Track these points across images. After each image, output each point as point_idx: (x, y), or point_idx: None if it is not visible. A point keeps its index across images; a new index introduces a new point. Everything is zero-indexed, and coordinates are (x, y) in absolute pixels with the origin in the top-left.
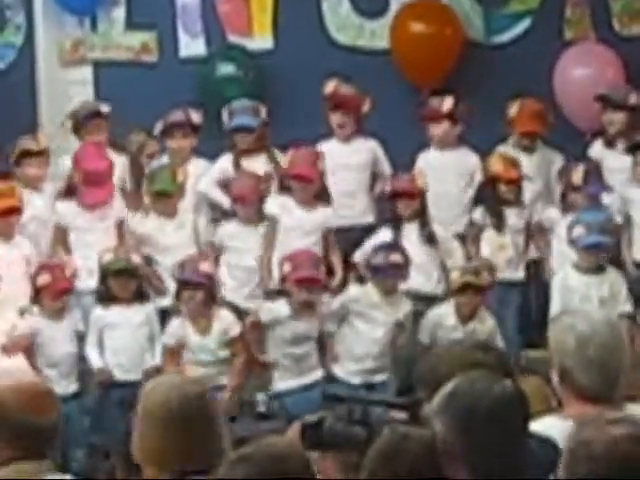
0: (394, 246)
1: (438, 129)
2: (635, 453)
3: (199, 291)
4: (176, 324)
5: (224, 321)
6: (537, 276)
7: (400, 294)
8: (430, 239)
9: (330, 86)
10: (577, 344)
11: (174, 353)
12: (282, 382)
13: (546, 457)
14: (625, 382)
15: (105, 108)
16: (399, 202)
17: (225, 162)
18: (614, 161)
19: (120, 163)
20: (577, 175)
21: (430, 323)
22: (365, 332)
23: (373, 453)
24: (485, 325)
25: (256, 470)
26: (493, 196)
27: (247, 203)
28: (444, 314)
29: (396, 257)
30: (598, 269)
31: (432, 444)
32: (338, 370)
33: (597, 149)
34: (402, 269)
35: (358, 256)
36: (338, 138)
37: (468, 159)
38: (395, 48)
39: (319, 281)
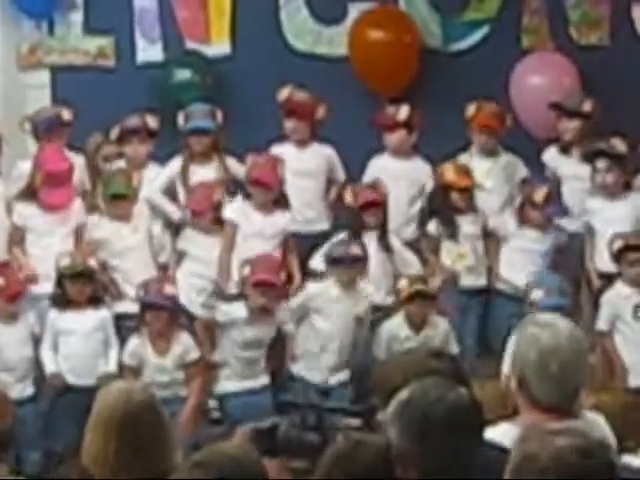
0: (354, 239)
1: (394, 137)
2: (578, 465)
3: (163, 313)
4: (135, 343)
5: (183, 344)
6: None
7: (359, 290)
8: (388, 248)
9: (284, 92)
10: (539, 358)
11: (135, 372)
12: (228, 383)
13: (497, 464)
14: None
15: (67, 115)
16: (366, 213)
17: (174, 168)
18: (569, 168)
19: (78, 164)
20: (539, 194)
21: (384, 337)
22: (324, 328)
23: (327, 458)
24: (438, 330)
25: (212, 475)
26: (445, 205)
27: (203, 215)
28: (396, 326)
29: (356, 249)
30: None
31: (386, 451)
32: (297, 369)
33: (552, 155)
34: (362, 261)
35: (314, 263)
36: (292, 144)
37: (421, 168)
38: (353, 55)
39: (276, 285)
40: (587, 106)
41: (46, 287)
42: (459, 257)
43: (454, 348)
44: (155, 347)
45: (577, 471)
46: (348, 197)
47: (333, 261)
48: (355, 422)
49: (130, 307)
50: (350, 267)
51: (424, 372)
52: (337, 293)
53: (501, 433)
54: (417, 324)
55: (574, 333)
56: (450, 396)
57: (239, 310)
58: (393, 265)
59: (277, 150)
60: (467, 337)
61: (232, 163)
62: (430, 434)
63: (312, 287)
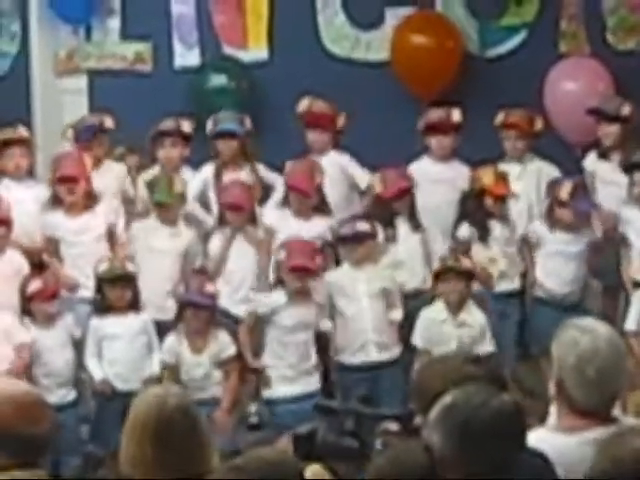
0: (361, 216)
1: (445, 140)
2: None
3: (202, 312)
4: (172, 339)
5: (220, 341)
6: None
7: (379, 264)
8: (417, 227)
9: (303, 104)
10: (578, 362)
11: (172, 370)
12: (276, 389)
13: (536, 470)
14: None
15: (109, 122)
16: (397, 201)
17: (206, 174)
18: (607, 173)
19: (120, 171)
20: (564, 190)
21: (422, 325)
22: (352, 310)
23: (374, 467)
24: (475, 319)
25: (248, 478)
26: (479, 209)
27: (242, 211)
28: (434, 310)
29: (363, 226)
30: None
31: (424, 466)
32: (343, 358)
33: (591, 161)
34: (370, 238)
35: None
36: (314, 154)
37: (461, 172)
38: (394, 60)
39: (312, 270)
40: (626, 110)
41: (82, 293)
42: (491, 262)
43: (489, 346)
44: (192, 344)
45: None
46: (378, 187)
47: (341, 240)
48: (394, 427)
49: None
50: (358, 244)
51: (463, 378)
52: (354, 272)
53: (538, 439)
54: (453, 304)
55: (613, 338)
56: (493, 402)
57: (278, 297)
58: (425, 247)
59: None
60: (506, 342)
61: (262, 169)
62: (473, 440)
63: (329, 275)
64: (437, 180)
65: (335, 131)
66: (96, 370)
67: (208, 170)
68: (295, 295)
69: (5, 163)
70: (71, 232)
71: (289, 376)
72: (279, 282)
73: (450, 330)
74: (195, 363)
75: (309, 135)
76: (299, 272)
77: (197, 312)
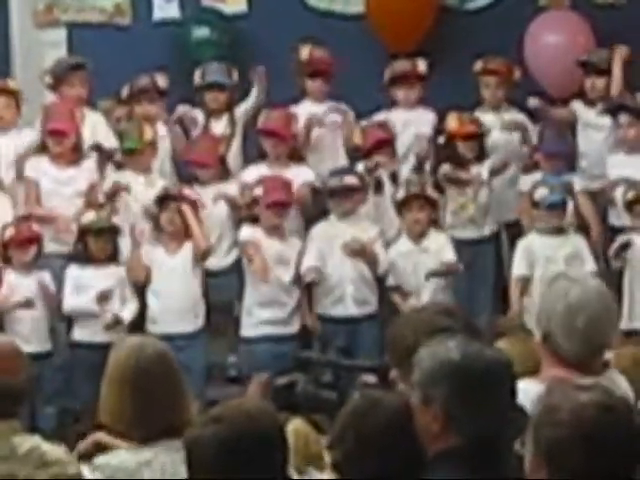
0: (349, 169)
1: (410, 92)
2: (600, 421)
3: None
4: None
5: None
6: (514, 239)
7: (365, 220)
8: (396, 176)
9: (305, 52)
10: (567, 312)
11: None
12: (254, 329)
13: (517, 424)
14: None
15: (85, 61)
16: (377, 152)
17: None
18: (589, 117)
19: (97, 121)
20: (535, 135)
21: (391, 263)
22: (334, 262)
23: (342, 416)
24: (438, 241)
25: (228, 430)
26: (453, 155)
27: (206, 167)
28: (399, 246)
29: (351, 179)
30: (560, 231)
31: (402, 411)
32: (322, 310)
33: (578, 107)
34: (358, 191)
35: None
36: (314, 101)
37: (428, 117)
38: (370, 12)
39: (290, 204)
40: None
41: (54, 247)
42: (461, 207)
43: (450, 255)
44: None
45: (596, 426)
46: (357, 138)
47: (330, 193)
48: (371, 379)
49: None
50: (346, 198)
51: (436, 330)
52: (340, 225)
53: (522, 389)
54: (416, 233)
55: (603, 291)
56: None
57: (255, 232)
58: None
59: (296, 110)
60: (480, 290)
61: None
62: (478, 396)
63: (315, 229)
64: (405, 126)
65: (332, 78)
66: (79, 300)
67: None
68: (272, 231)
69: None
70: (54, 181)
71: (268, 317)
72: (253, 221)
73: (415, 259)
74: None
75: (311, 83)
76: (277, 208)
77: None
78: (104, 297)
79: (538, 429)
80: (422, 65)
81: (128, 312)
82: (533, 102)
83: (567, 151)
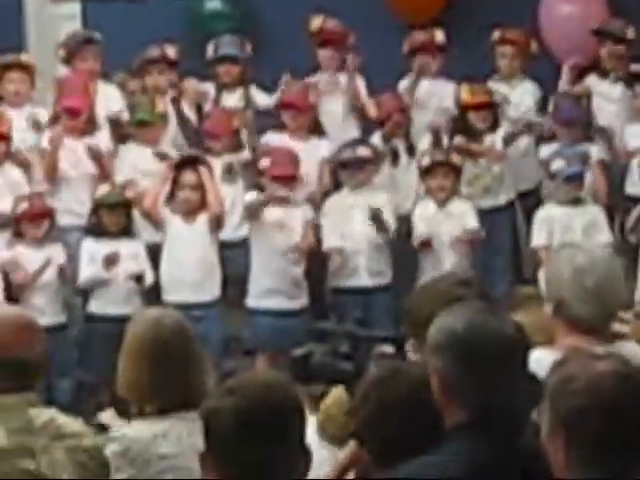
0: (361, 141)
1: (430, 61)
2: (618, 390)
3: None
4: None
5: None
6: (529, 209)
7: (378, 191)
8: (412, 151)
9: (316, 22)
10: (575, 275)
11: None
12: (257, 300)
13: (532, 393)
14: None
15: (97, 35)
16: (390, 122)
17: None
18: (607, 91)
19: (112, 94)
20: (550, 106)
21: (418, 220)
22: (347, 234)
23: (364, 384)
24: (460, 208)
25: (245, 401)
26: (466, 126)
27: (218, 138)
28: (423, 208)
29: (363, 151)
30: (578, 201)
31: (423, 380)
32: (335, 282)
33: (592, 81)
34: (371, 162)
35: None
36: (326, 72)
37: (448, 88)
38: None
39: (296, 177)
40: (630, 33)
41: (71, 219)
42: (475, 178)
43: (473, 222)
44: None
45: (614, 394)
46: (372, 110)
47: (342, 165)
48: (388, 349)
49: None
50: (359, 169)
51: (452, 300)
52: (352, 197)
53: (537, 359)
54: (441, 200)
55: (609, 254)
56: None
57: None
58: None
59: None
60: (496, 259)
61: (256, 93)
62: (479, 364)
63: (328, 203)
64: (425, 99)
65: (345, 50)
66: (93, 270)
67: (210, 89)
68: (277, 202)
69: (5, 87)
70: (70, 153)
71: (273, 288)
72: (259, 188)
73: (440, 222)
74: None
75: (322, 53)
76: (282, 181)
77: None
78: (111, 260)
79: (555, 398)
80: (440, 35)
81: (148, 277)
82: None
83: (582, 117)
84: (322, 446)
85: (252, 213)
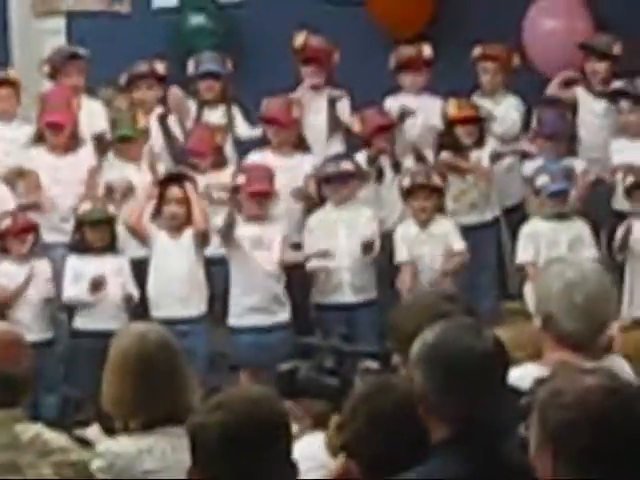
0: (344, 155)
1: (416, 77)
2: (605, 404)
3: None
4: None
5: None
6: (513, 225)
7: (362, 206)
8: (398, 169)
9: (300, 39)
10: (564, 290)
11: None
12: (239, 319)
13: (517, 407)
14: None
15: (82, 51)
16: (376, 138)
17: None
18: (588, 104)
19: (96, 109)
20: (534, 121)
21: (400, 240)
22: (334, 250)
23: (352, 399)
24: (443, 227)
25: (232, 416)
26: (453, 141)
27: (202, 155)
28: (406, 227)
29: (347, 165)
30: (563, 216)
31: (411, 394)
32: (319, 298)
33: (578, 93)
34: (354, 177)
35: None
36: (309, 89)
37: (434, 104)
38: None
39: (271, 194)
40: (617, 49)
41: (56, 236)
42: (461, 193)
43: (459, 244)
44: None
45: (600, 409)
46: (357, 126)
47: (325, 180)
48: (374, 365)
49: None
50: (342, 184)
51: (438, 315)
52: (336, 214)
53: (524, 374)
54: (422, 220)
55: (599, 269)
56: (479, 343)
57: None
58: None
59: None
60: (482, 275)
61: (238, 117)
62: (457, 381)
63: (311, 220)
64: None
65: (330, 66)
66: (78, 289)
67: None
68: (253, 218)
69: None
70: (53, 171)
71: (255, 306)
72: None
73: (422, 243)
74: None
75: (305, 70)
76: (258, 197)
77: None
78: (97, 284)
79: (544, 412)
80: (427, 50)
81: (133, 294)
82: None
83: (566, 131)
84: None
85: (225, 237)
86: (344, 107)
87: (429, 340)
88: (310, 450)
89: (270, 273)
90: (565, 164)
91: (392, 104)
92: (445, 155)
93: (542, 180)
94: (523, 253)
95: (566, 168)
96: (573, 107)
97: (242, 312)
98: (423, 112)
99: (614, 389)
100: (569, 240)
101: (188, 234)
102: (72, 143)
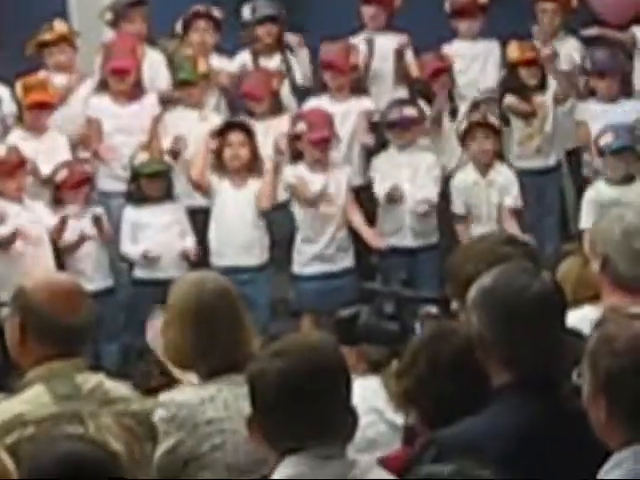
0: (408, 101)
1: (472, 23)
2: None
3: None
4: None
5: None
6: (574, 167)
7: (424, 151)
8: (455, 108)
9: None
10: (623, 234)
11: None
12: (303, 267)
13: (574, 350)
14: None
15: None
16: (435, 81)
17: (241, 61)
18: None
19: (157, 60)
20: (587, 60)
21: (456, 191)
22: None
23: (414, 343)
24: (503, 175)
25: (291, 363)
26: (517, 84)
27: (259, 100)
28: (464, 174)
29: (410, 111)
30: (628, 179)
31: (469, 340)
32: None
33: (637, 32)
34: (417, 123)
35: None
36: (371, 30)
37: (493, 46)
38: None
39: (332, 140)
40: None
41: (116, 185)
42: (528, 137)
43: (514, 200)
44: None
45: None
46: (414, 70)
47: (389, 125)
48: (433, 310)
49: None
50: (405, 129)
51: (497, 259)
52: (398, 155)
53: (582, 316)
54: (483, 165)
55: None
56: (533, 283)
57: (301, 169)
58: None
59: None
60: (546, 218)
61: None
62: (515, 323)
63: (378, 159)
64: (471, 58)
65: (392, 9)
66: (134, 250)
67: (245, 57)
68: (315, 165)
69: (47, 60)
70: (117, 119)
71: (319, 255)
72: (296, 156)
73: (481, 191)
74: None
75: (367, 10)
76: (320, 144)
77: None
78: (150, 260)
79: (595, 359)
80: None
81: (189, 243)
82: (590, 31)
83: (618, 69)
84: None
85: (293, 193)
86: (408, 53)
87: (485, 284)
88: (361, 393)
89: (337, 222)
90: (630, 124)
91: (449, 51)
92: (510, 99)
93: (606, 139)
94: (586, 220)
95: (632, 126)
96: (630, 48)
97: (306, 261)
98: (480, 58)
99: None
100: (637, 206)
101: (252, 187)
102: (136, 91)
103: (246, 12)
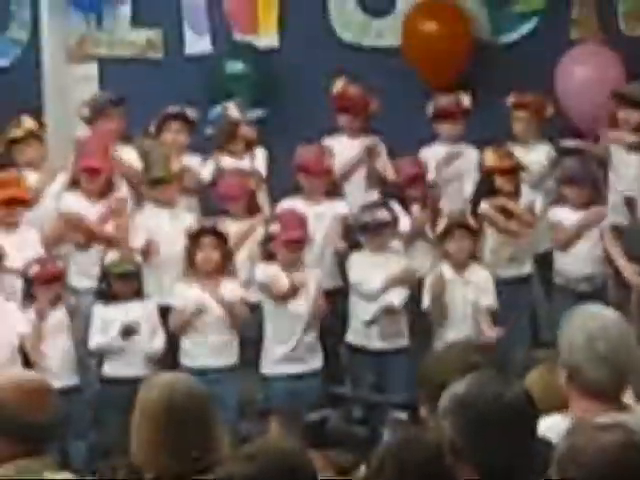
0: (380, 204)
1: (454, 127)
2: (623, 461)
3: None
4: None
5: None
6: (544, 272)
7: (396, 253)
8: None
9: (338, 86)
10: (587, 340)
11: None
12: (271, 367)
13: (544, 458)
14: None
15: (124, 97)
16: (410, 187)
17: (214, 163)
18: (625, 157)
19: (130, 157)
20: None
21: (429, 287)
22: (366, 294)
23: (380, 451)
24: (479, 276)
25: (260, 468)
26: (492, 191)
27: (237, 200)
28: (440, 271)
29: (383, 214)
30: None
31: (439, 448)
32: (350, 338)
33: (612, 147)
34: (390, 226)
35: None
36: (346, 137)
37: (471, 153)
38: (405, 46)
39: (304, 240)
40: None
41: (85, 282)
42: (502, 244)
43: (491, 300)
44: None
45: (619, 467)
46: (390, 174)
47: (361, 228)
48: (402, 416)
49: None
50: (378, 233)
51: (467, 367)
52: (371, 259)
53: (551, 425)
54: (459, 263)
55: (621, 321)
56: (506, 393)
57: (273, 269)
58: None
59: (329, 142)
60: (518, 331)
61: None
62: (486, 431)
63: (353, 257)
64: (447, 162)
65: (367, 115)
66: (104, 339)
67: (216, 161)
68: (288, 266)
69: (17, 157)
70: (88, 216)
71: (288, 355)
72: (269, 256)
73: (456, 289)
74: None
75: (341, 118)
76: (293, 245)
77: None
78: (129, 331)
79: (563, 469)
80: (466, 100)
81: (158, 343)
82: (569, 143)
83: (588, 177)
84: None
85: (265, 290)
86: (382, 156)
87: (458, 392)
88: None
89: (306, 321)
90: None
91: (427, 154)
92: (485, 207)
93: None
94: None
95: None
96: (601, 159)
97: (275, 361)
98: (458, 161)
99: (631, 446)
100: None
101: (222, 288)
102: (107, 189)
103: (216, 113)
